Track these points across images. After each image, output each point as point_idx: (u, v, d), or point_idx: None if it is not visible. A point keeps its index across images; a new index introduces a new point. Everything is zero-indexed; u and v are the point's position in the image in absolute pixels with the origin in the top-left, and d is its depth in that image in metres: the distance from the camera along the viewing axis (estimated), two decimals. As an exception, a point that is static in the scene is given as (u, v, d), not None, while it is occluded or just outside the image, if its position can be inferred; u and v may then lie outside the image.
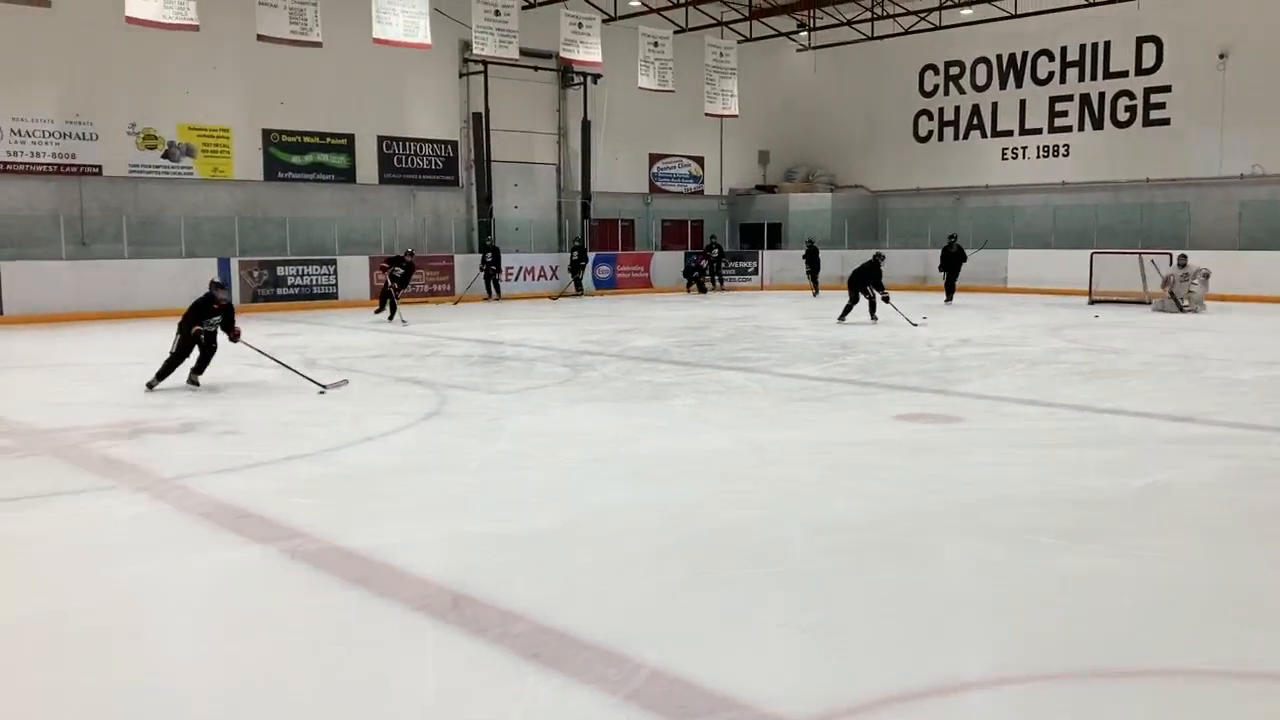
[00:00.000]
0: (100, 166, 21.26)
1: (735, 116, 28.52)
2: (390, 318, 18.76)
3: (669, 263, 28.72)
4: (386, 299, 19.43)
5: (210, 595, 4.75)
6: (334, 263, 23.00)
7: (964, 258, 22.95)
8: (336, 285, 22.89)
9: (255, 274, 21.81)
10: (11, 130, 20.22)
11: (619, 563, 5.11)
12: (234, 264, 21.47)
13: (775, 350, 14.02)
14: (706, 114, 27.91)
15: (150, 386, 10.40)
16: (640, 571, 4.97)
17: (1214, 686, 3.74)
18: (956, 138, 30.27)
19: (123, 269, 20.27)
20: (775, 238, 30.88)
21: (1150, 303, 20.13)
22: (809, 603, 4.53)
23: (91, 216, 21.09)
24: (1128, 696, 3.67)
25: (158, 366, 10.53)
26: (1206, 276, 19.67)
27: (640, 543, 5.41)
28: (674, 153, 31.13)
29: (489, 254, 24.75)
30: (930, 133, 30.83)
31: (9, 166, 20.26)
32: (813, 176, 32.75)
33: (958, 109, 30.20)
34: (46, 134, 20.62)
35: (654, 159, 30.73)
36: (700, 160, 31.80)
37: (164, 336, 16.25)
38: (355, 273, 23.13)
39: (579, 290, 26.05)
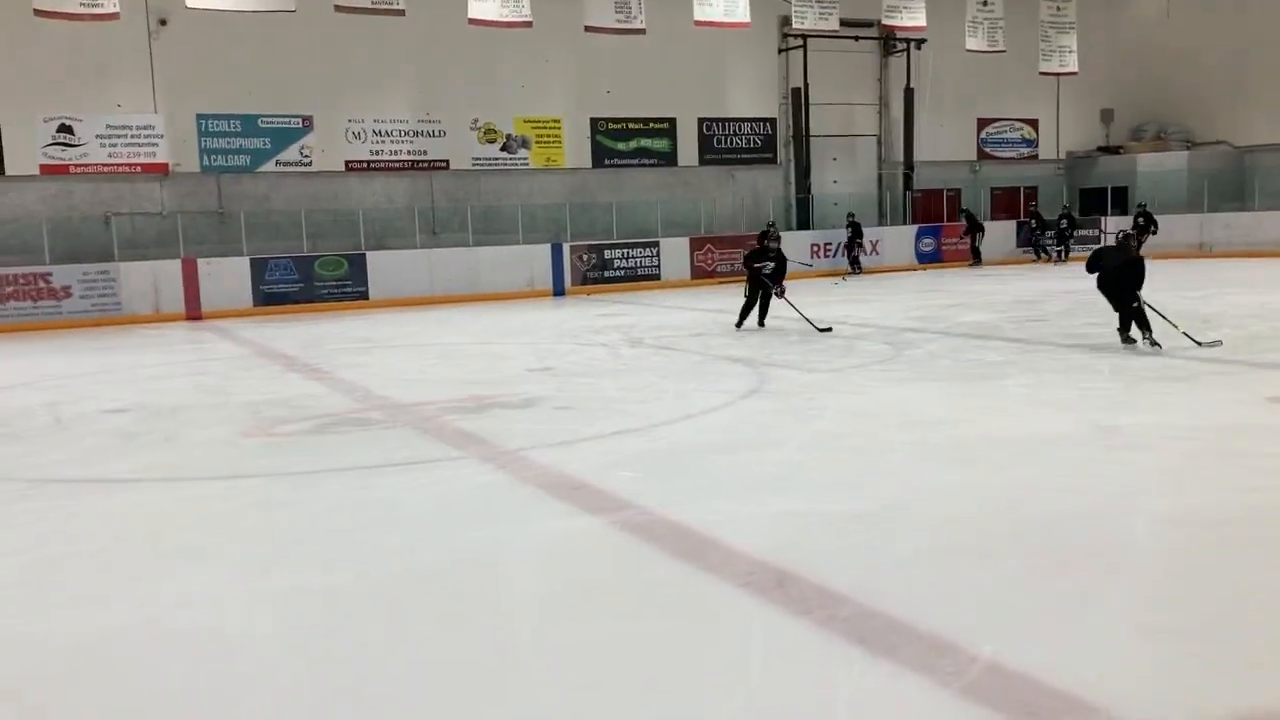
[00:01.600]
0: (447, 161, 23.11)
1: (1074, 74, 26.60)
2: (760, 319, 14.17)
3: (999, 233, 27.24)
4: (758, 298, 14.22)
5: (550, 562, 5.00)
6: (657, 245, 23.69)
7: None
8: (659, 266, 23.57)
9: (584, 257, 22.88)
10: (373, 131, 22.41)
11: (948, 549, 4.87)
12: (565, 248, 22.65)
13: (1120, 325, 12.89)
14: (1041, 73, 26.22)
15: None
16: (971, 559, 4.72)
17: None
18: (1345, 81, 26.58)
19: (468, 255, 21.95)
20: (1120, 202, 28.51)
21: None
22: (1162, 602, 4.12)
23: (440, 207, 22.99)
24: None
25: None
26: None
27: (971, 529, 5.14)
28: (1004, 116, 29.48)
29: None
30: (1310, 77, 27.26)
31: (372, 165, 22.48)
32: (1165, 134, 29.85)
33: (1351, 46, 26.50)
34: (402, 133, 22.68)
35: (982, 124, 29.24)
36: (1034, 123, 29.91)
37: (504, 317, 17.52)
38: (677, 254, 23.72)
39: (855, 269, 24.63)
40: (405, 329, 16.30)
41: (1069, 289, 18.46)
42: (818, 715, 3.31)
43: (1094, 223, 27.72)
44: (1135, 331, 10.49)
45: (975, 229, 26.38)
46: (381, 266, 21.01)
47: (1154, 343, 10.30)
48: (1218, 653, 3.65)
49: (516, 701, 3.51)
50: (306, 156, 21.90)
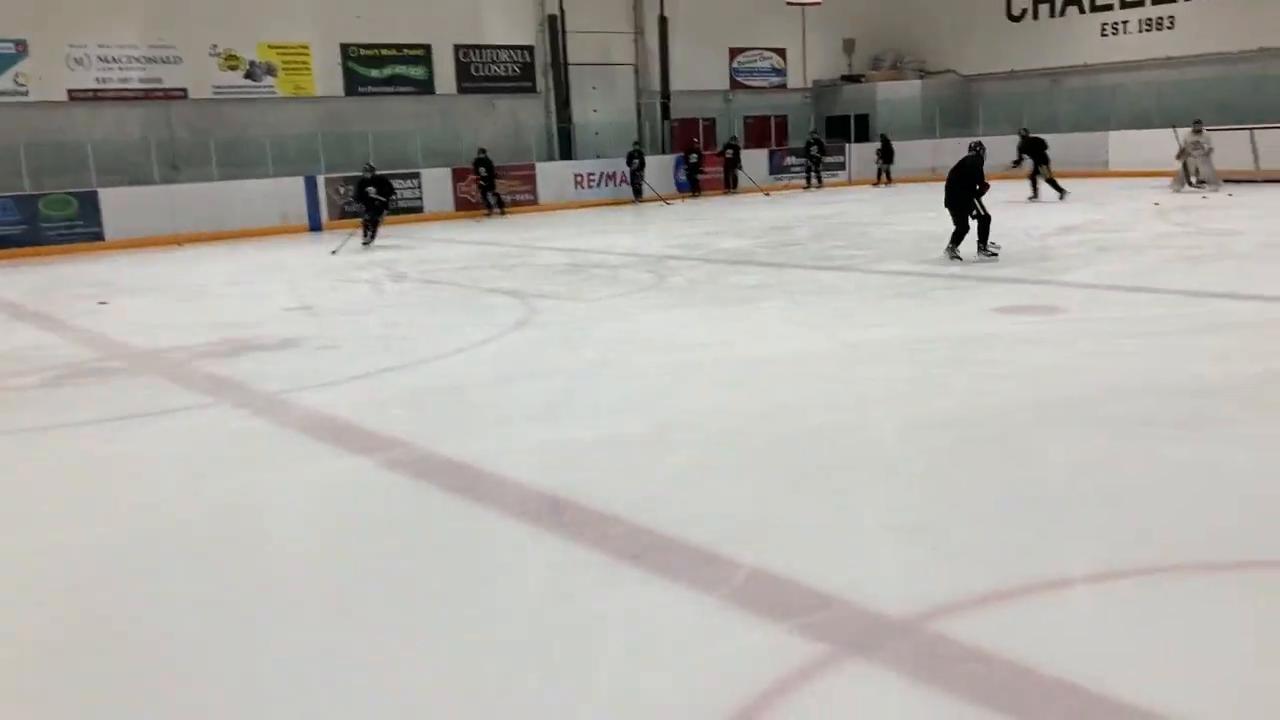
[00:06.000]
0: (185, 90, 21.56)
1: (818, 4, 27.58)
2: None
3: (753, 162, 28.06)
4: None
5: (314, 507, 4.86)
6: (418, 176, 23.04)
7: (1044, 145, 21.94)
8: (421, 198, 22.96)
9: (341, 190, 21.98)
10: (99, 58, 20.58)
11: (712, 466, 5.08)
12: (320, 180, 21.66)
13: (865, 247, 13.70)
14: (788, 2, 27.02)
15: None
16: (734, 474, 4.94)
17: (1340, 579, 3.58)
18: (1052, 15, 28.80)
19: (213, 191, 20.60)
20: (862, 130, 30.00)
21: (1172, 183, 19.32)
22: (908, 502, 4.46)
23: (180, 140, 21.45)
24: (1243, 591, 3.53)
25: None
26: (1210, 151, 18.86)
27: (733, 446, 5.38)
28: (755, 45, 30.25)
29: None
30: (1024, 10, 29.38)
31: (99, 94, 20.66)
32: (901, 64, 31.52)
33: (1054, -17, 28.70)
34: (131, 59, 20.94)
35: (734, 53, 29.92)
36: (782, 52, 30.86)
37: (257, 255, 16.67)
38: (439, 185, 23.16)
39: (638, 196, 25.17)
40: (148, 271, 15.23)
41: (819, 214, 19.37)
42: (595, 633, 3.41)
43: (839, 149, 29.04)
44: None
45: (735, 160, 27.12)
46: (117, 204, 19.42)
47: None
48: (962, 545, 3.99)
49: (290, 648, 3.42)
50: (22, 85, 19.87)
